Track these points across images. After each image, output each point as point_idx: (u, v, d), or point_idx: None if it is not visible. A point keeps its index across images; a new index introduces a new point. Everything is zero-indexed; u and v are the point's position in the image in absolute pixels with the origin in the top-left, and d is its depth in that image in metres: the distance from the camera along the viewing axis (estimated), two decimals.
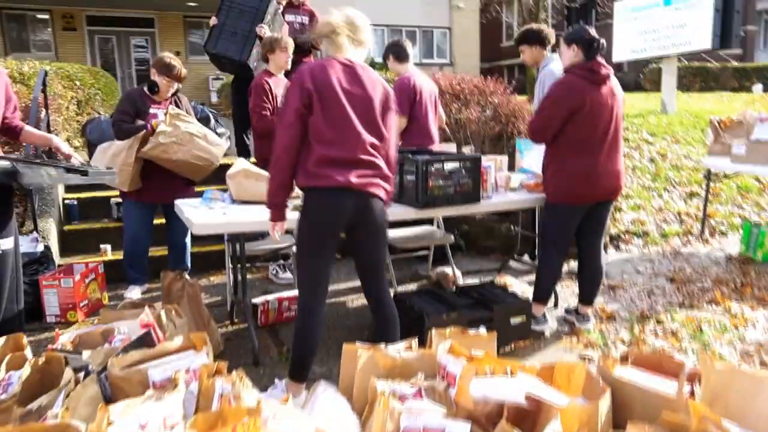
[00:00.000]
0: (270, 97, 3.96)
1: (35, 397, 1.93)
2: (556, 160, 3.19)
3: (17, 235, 2.65)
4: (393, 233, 3.97)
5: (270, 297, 3.61)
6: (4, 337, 2.28)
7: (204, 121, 5.65)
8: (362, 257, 2.58)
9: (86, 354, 2.20)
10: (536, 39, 4.14)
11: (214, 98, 14.07)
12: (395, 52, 4.23)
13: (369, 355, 2.16)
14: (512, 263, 4.61)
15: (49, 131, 5.07)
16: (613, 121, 3.13)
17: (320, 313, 2.48)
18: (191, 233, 3.80)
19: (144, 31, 15.34)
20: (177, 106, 4.02)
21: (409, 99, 4.14)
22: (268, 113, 3.93)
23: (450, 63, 18.08)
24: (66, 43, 14.68)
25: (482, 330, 2.43)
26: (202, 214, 2.94)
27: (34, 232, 3.89)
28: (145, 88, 3.93)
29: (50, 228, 4.37)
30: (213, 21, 4.67)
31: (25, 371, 2.04)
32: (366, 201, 2.41)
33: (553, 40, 4.18)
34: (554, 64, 4.20)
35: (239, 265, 3.19)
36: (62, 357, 2.15)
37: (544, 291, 3.43)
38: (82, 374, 2.12)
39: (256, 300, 3.57)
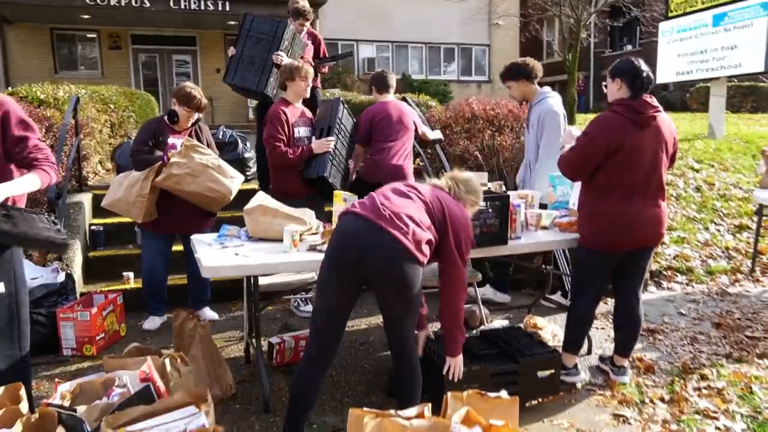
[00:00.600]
0: (285, 127, 3.83)
1: None
2: (590, 203, 2.98)
3: (20, 278, 2.52)
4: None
5: (287, 336, 3.48)
6: (1, 388, 2.20)
7: (232, 145, 5.63)
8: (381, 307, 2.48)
9: (82, 409, 2.11)
10: (522, 73, 4.00)
11: (251, 115, 14.22)
12: (377, 82, 4.40)
13: (376, 423, 1.99)
14: (544, 301, 4.38)
15: (78, 156, 5.12)
16: (657, 166, 2.88)
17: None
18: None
19: (186, 49, 15.67)
20: (197, 135, 3.98)
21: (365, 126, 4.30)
22: (282, 144, 3.81)
23: (489, 80, 17.87)
24: (111, 61, 15.11)
25: (504, 394, 2.23)
26: (213, 254, 2.84)
27: (54, 263, 3.87)
28: (165, 118, 3.89)
29: (75, 255, 4.36)
30: (231, 51, 4.62)
31: (16, 429, 1.95)
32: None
33: (540, 74, 4.04)
34: (553, 100, 4.06)
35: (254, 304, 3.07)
36: (55, 414, 2.06)
37: (575, 341, 3.19)
38: None
39: (273, 339, 3.45)
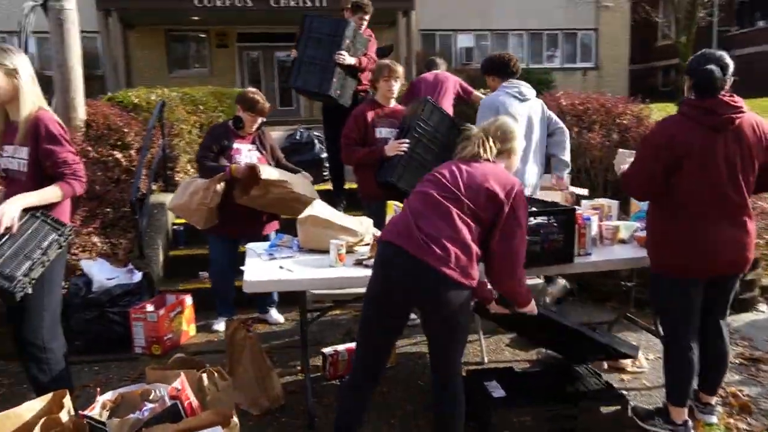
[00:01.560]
0: (360, 126, 3.73)
1: None
2: (659, 222, 2.59)
3: (50, 282, 2.57)
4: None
5: (341, 347, 3.41)
6: (50, 395, 2.31)
7: (309, 146, 5.66)
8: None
9: (113, 423, 2.15)
10: (489, 68, 3.81)
11: None
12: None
13: None
14: (626, 320, 3.97)
15: (164, 157, 5.37)
16: (738, 178, 2.42)
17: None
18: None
19: (288, 46, 16.07)
20: (260, 140, 4.00)
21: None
22: (352, 143, 3.73)
23: (595, 67, 16.81)
24: (219, 59, 15.89)
25: None
26: (257, 267, 2.81)
27: (129, 264, 4.07)
28: (230, 123, 3.94)
29: (156, 254, 4.58)
30: (293, 54, 4.59)
31: None
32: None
33: (513, 70, 3.73)
34: (497, 94, 3.69)
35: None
36: (86, 426, 2.12)
37: (678, 390, 2.63)
38: None
39: (327, 350, 3.40)
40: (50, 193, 2.44)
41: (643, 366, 3.43)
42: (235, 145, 3.89)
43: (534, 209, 2.94)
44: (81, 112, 4.99)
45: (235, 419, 2.18)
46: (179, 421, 2.16)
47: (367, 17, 4.72)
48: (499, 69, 3.75)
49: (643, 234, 3.12)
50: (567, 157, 3.83)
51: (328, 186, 5.38)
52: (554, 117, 3.84)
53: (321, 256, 2.97)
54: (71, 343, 3.71)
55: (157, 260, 4.56)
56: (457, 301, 2.17)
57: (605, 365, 3.38)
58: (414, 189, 2.39)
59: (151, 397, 2.33)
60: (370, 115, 3.74)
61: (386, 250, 2.24)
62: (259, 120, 3.96)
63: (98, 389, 2.36)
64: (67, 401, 2.32)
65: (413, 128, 3.59)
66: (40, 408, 2.29)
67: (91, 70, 14.34)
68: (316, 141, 5.67)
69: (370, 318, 2.32)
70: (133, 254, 4.40)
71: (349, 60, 4.36)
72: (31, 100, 2.49)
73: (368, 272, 2.72)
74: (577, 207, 3.33)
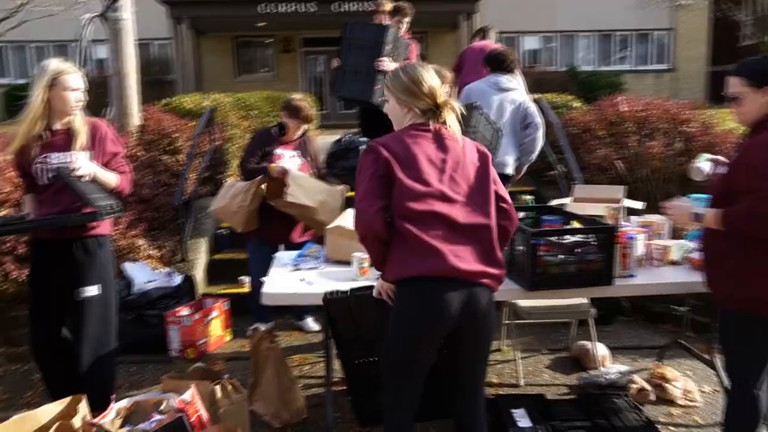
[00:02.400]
0: None
1: None
2: (742, 251, 2.14)
3: (110, 282, 2.75)
4: (525, 303, 3.40)
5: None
6: (67, 399, 2.35)
7: (354, 152, 5.60)
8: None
9: None
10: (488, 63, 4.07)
11: None
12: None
13: None
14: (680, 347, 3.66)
15: (212, 162, 5.47)
16: None
17: None
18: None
19: None
20: (304, 146, 3.97)
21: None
22: None
23: (671, 69, 15.93)
24: (284, 64, 16.22)
25: None
26: (278, 278, 2.77)
27: (169, 267, 4.14)
28: (274, 130, 3.94)
29: (199, 258, 4.65)
30: (335, 63, 4.54)
31: None
32: None
33: (509, 65, 4.01)
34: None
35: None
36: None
37: None
38: None
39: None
40: (111, 176, 2.66)
41: (696, 399, 3.14)
42: (278, 151, 3.88)
43: (570, 227, 2.76)
44: (135, 117, 5.16)
45: None
46: None
47: (405, 20, 4.63)
48: (493, 64, 4.07)
49: (697, 256, 2.85)
50: (531, 151, 4.07)
51: None
52: (531, 112, 4.01)
53: (346, 267, 2.88)
54: None
55: (200, 264, 4.63)
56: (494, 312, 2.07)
57: (652, 396, 3.11)
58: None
59: (162, 408, 2.32)
60: None
61: (438, 289, 1.92)
62: (303, 127, 3.93)
63: (113, 396, 2.38)
64: (82, 407, 2.35)
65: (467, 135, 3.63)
66: (57, 412, 2.33)
67: (163, 75, 15.09)
68: (361, 147, 5.61)
69: (410, 359, 2.01)
70: (177, 257, 4.49)
71: (391, 66, 4.26)
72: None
73: None
74: (626, 223, 3.10)
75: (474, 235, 1.96)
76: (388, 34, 4.27)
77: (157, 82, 14.99)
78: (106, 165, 2.68)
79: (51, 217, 2.54)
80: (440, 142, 2.04)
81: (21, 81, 13.41)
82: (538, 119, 4.02)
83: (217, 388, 2.48)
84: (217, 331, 3.91)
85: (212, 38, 15.78)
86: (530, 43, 16.11)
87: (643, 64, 15.98)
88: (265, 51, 16.41)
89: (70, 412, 2.33)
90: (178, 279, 4.01)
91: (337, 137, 5.98)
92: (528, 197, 4.78)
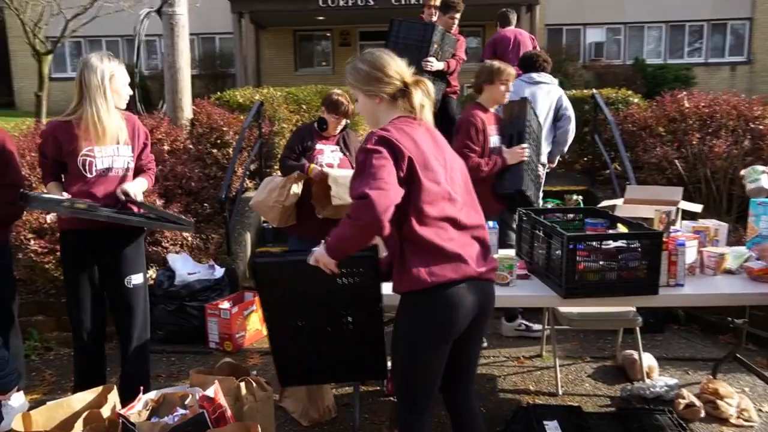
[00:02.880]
0: (480, 135, 3.46)
1: None
2: None
3: (145, 272, 2.89)
4: (566, 309, 3.25)
5: None
6: (99, 388, 2.41)
7: None
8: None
9: (144, 426, 2.18)
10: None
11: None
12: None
13: None
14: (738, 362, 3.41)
15: (261, 157, 5.53)
16: None
17: None
18: None
19: None
20: (344, 141, 3.94)
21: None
22: (476, 156, 3.43)
23: (747, 61, 14.97)
24: (341, 57, 16.30)
25: None
26: None
27: (210, 260, 4.21)
28: (315, 125, 3.92)
29: (243, 251, 4.72)
30: None
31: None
32: None
33: (539, 64, 4.17)
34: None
35: None
36: (120, 426, 2.17)
37: None
38: None
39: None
40: (144, 183, 2.81)
41: (752, 419, 2.91)
42: (318, 146, 3.86)
43: (613, 232, 2.60)
44: (187, 111, 5.27)
45: None
46: (203, 431, 2.15)
47: (457, 16, 4.48)
48: (525, 65, 4.26)
49: (756, 265, 2.63)
50: (564, 142, 4.23)
51: None
52: (564, 104, 4.19)
53: None
54: (154, 332, 3.94)
55: (244, 257, 4.69)
56: None
57: (702, 413, 2.91)
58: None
59: (186, 402, 2.34)
60: (485, 122, 3.47)
61: (466, 290, 1.93)
62: (344, 121, 3.90)
63: (142, 387, 2.43)
64: (112, 396, 2.41)
65: (523, 132, 3.47)
66: (89, 400, 2.40)
67: (224, 68, 15.50)
68: None
69: (434, 357, 1.97)
70: (222, 250, 4.56)
71: (437, 66, 4.18)
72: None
73: None
74: (676, 229, 2.90)
75: (474, 233, 1.97)
76: (435, 32, 4.16)
77: (219, 76, 15.43)
78: (139, 156, 2.80)
79: (158, 216, 2.81)
80: (432, 135, 1.98)
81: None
82: (570, 112, 4.18)
83: (242, 384, 2.48)
84: (255, 324, 3.95)
85: (272, 32, 16.05)
86: (595, 35, 15.51)
87: (716, 57, 15.07)
88: (323, 45, 16.57)
89: (100, 401, 2.39)
90: (220, 272, 4.08)
91: None
92: (577, 197, 4.58)
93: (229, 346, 3.77)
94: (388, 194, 1.77)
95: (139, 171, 2.81)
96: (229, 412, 2.31)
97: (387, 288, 2.08)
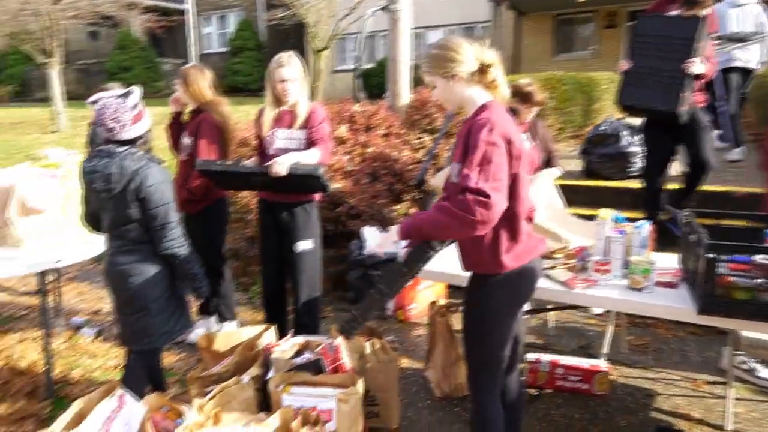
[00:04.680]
0: None
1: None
2: None
3: (319, 238, 3.34)
4: (750, 333, 2.77)
5: (544, 358, 3.18)
6: (263, 326, 2.97)
7: (612, 138, 5.13)
8: None
9: (277, 359, 2.64)
10: None
11: None
12: None
13: None
14: None
15: None
16: None
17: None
18: None
19: None
20: (534, 129, 3.92)
21: None
22: None
23: None
24: (606, 40, 15.27)
25: None
26: (441, 256, 2.88)
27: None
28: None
29: None
30: (624, 65, 3.95)
31: (229, 361, 2.67)
32: None
33: None
34: None
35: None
36: (262, 356, 2.66)
37: None
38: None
39: (530, 356, 3.22)
40: (313, 154, 3.11)
41: None
42: None
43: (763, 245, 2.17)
44: (404, 98, 5.73)
45: (357, 389, 2.40)
46: (318, 374, 2.51)
47: (703, 13, 3.81)
48: None
49: None
50: None
51: (630, 184, 4.88)
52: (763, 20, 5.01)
53: None
54: (346, 294, 4.50)
55: None
56: None
57: None
58: None
59: (316, 349, 2.73)
60: None
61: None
62: (534, 110, 3.88)
63: (291, 331, 2.89)
64: (269, 334, 2.94)
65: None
66: (253, 334, 2.96)
67: None
68: (622, 133, 5.09)
69: (510, 326, 2.10)
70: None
71: (700, 69, 3.67)
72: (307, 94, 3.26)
73: (549, 284, 2.55)
74: None
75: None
76: (699, 29, 3.64)
77: None
78: (313, 137, 3.18)
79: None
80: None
81: (369, 65, 15.70)
82: None
83: (367, 344, 2.77)
84: (426, 300, 4.20)
85: (532, 18, 15.83)
86: None
87: None
88: (585, 28, 15.74)
89: (260, 335, 2.94)
90: (402, 244, 4.42)
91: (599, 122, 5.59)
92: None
93: (401, 315, 4.11)
94: (505, 198, 1.85)
95: (313, 143, 3.19)
96: (348, 365, 2.63)
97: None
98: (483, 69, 1.98)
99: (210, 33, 20.78)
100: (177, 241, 2.38)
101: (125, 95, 2.38)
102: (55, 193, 3.17)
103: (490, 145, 1.82)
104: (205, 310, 3.79)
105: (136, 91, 2.42)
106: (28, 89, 19.13)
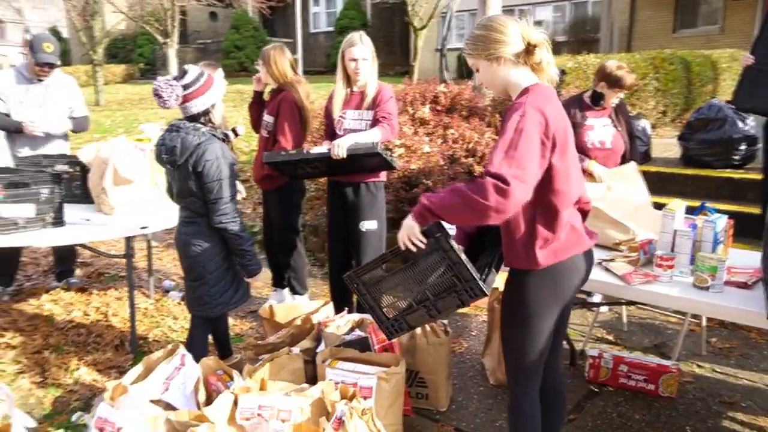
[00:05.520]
0: None
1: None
2: None
3: (384, 220, 3.38)
4: None
5: (607, 353, 3.04)
6: (322, 301, 3.10)
7: (718, 123, 4.69)
8: None
9: (328, 334, 2.73)
10: None
11: None
12: None
13: None
14: None
15: None
16: None
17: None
18: None
19: None
20: (616, 113, 3.70)
21: None
22: None
23: None
24: (734, 14, 13.87)
25: None
26: None
27: None
28: (585, 96, 3.75)
29: None
30: (746, 60, 3.54)
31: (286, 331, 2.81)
32: None
33: None
34: None
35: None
36: (317, 328, 2.77)
37: None
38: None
39: (592, 351, 3.08)
40: (373, 134, 3.12)
41: None
42: (589, 121, 3.72)
43: None
44: None
45: (399, 369, 2.43)
46: (364, 351, 2.57)
47: None
48: None
49: None
50: None
51: (731, 174, 4.47)
52: None
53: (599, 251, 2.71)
54: None
55: None
56: None
57: None
58: None
59: (366, 326, 2.80)
60: None
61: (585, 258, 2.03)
62: (620, 94, 3.66)
63: (346, 309, 2.98)
64: (326, 309, 3.06)
65: None
66: (312, 309, 3.10)
67: (588, 34, 15.04)
68: (730, 118, 4.63)
69: (549, 324, 2.00)
70: None
71: None
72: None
73: (606, 277, 2.44)
74: None
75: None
76: None
77: (585, 42, 15.04)
78: (378, 115, 3.20)
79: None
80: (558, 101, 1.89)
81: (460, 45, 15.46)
82: None
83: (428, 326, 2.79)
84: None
85: None
86: None
87: None
88: (712, 1, 14.35)
89: (318, 309, 3.06)
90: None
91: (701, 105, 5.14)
92: None
93: None
94: (527, 189, 1.70)
95: (377, 121, 3.21)
96: (397, 344, 2.67)
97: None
98: (529, 49, 1.88)
99: (318, 12, 21.30)
100: (229, 216, 2.51)
101: (182, 75, 2.53)
102: (144, 166, 3.45)
103: (518, 132, 1.73)
104: (278, 283, 3.98)
105: (193, 70, 2.56)
106: (154, 67, 20.73)
